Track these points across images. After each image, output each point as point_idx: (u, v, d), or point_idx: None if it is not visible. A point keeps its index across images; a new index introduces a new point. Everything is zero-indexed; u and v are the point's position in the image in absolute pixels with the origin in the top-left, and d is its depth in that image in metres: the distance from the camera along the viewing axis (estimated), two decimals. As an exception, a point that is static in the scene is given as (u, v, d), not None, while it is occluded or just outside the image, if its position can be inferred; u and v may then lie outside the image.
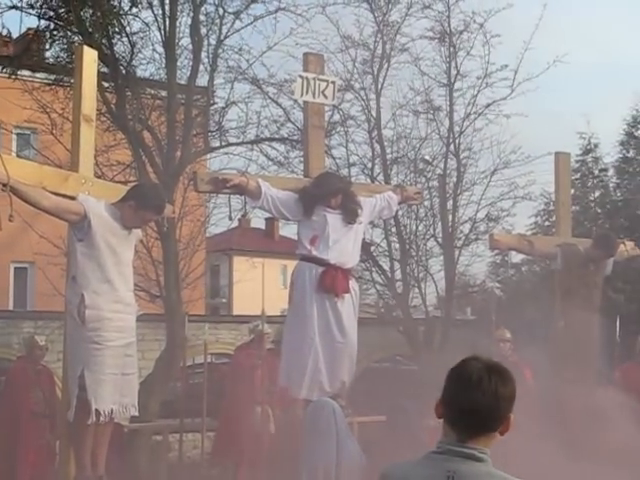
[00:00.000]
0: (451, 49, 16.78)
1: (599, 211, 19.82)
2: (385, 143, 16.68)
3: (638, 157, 20.60)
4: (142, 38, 13.91)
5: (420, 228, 17.32)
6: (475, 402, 2.96)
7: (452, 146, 16.80)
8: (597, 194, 20.29)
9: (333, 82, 8.79)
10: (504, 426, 3.03)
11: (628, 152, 20.80)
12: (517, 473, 3.11)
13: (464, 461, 2.97)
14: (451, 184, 16.96)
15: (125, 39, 13.50)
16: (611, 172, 20.82)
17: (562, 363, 9.57)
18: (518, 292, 18.93)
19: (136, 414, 7.28)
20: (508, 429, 3.04)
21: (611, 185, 20.66)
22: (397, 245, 17.04)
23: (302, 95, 8.55)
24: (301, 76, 8.53)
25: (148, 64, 14.30)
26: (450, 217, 16.73)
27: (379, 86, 16.49)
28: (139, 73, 14.28)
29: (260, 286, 9.85)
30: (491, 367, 3.02)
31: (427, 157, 17.25)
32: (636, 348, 11.41)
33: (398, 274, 17.15)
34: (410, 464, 3.12)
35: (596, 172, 20.50)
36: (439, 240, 17.10)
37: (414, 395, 8.65)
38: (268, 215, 10.11)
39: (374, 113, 16.58)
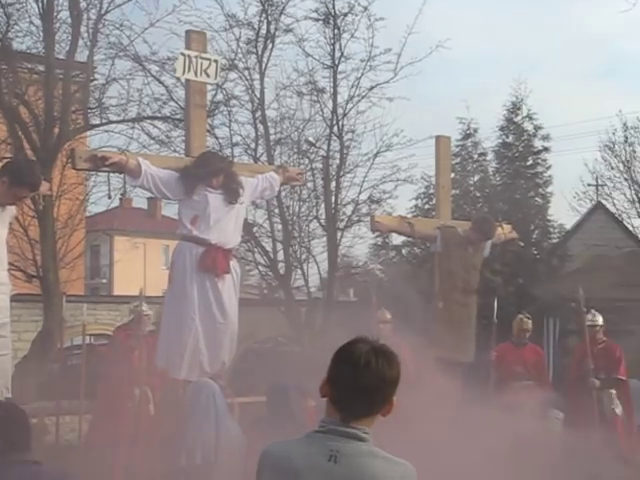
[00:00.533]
0: (335, 31, 16.83)
1: (478, 195, 20.16)
2: (269, 124, 16.65)
3: (517, 143, 21.04)
4: (18, 10, 13.54)
5: (303, 209, 17.37)
6: (361, 383, 2.98)
7: (335, 128, 16.87)
8: (477, 178, 20.64)
9: (216, 61, 8.70)
10: (387, 408, 3.05)
11: (507, 137, 21.21)
12: (397, 453, 3.14)
13: (347, 440, 2.99)
14: (334, 166, 17.03)
15: (0, 10, 13.10)
16: (490, 157, 21.22)
17: (440, 343, 9.70)
18: (399, 274, 19.14)
19: (9, 395, 7.09)
20: (390, 411, 3.06)
21: (490, 169, 21.03)
22: (280, 226, 17.05)
23: (184, 73, 8.44)
24: (183, 54, 8.41)
25: (25, 37, 13.95)
26: (333, 199, 16.80)
27: (263, 66, 16.44)
28: (15, 46, 13.90)
29: (142, 266, 9.71)
30: (378, 349, 3.04)
31: (311, 138, 17.29)
32: (513, 329, 11.65)
33: (280, 255, 17.18)
34: (292, 443, 3.12)
35: (476, 157, 20.85)
36: (322, 222, 17.18)
37: (295, 376, 8.68)
38: (150, 194, 9.98)
39: (258, 93, 16.54)
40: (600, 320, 11.82)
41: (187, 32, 8.86)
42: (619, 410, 11.14)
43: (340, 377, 3.03)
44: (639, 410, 12.06)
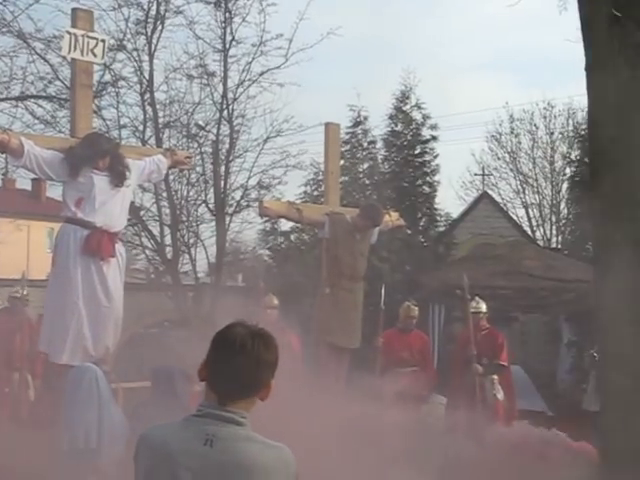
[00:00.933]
0: (226, 14, 16.71)
1: (367, 182, 20.26)
2: (157, 106, 16.47)
3: (405, 131, 21.22)
4: None
5: (191, 193, 17.26)
6: (236, 366, 2.98)
7: (225, 112, 16.79)
8: (366, 165, 20.75)
9: (103, 40, 8.52)
10: (264, 391, 3.04)
11: (396, 126, 21.37)
12: (278, 437, 3.13)
13: (223, 424, 2.98)
14: (224, 150, 16.94)
15: None
16: (380, 145, 21.34)
17: (327, 329, 9.74)
18: (287, 259, 19.16)
19: None
20: (268, 395, 3.05)
21: (379, 157, 21.15)
22: (167, 210, 16.89)
23: (70, 52, 8.25)
24: (69, 32, 8.21)
25: None
26: (222, 183, 16.71)
27: (152, 48, 16.23)
28: None
29: (25, 249, 9.48)
30: (255, 333, 3.04)
31: (200, 122, 17.17)
32: (399, 316, 11.77)
33: (168, 239, 17.02)
34: (169, 426, 3.10)
35: (365, 144, 20.95)
36: (210, 206, 17.08)
37: (181, 361, 8.61)
38: (33, 175, 9.75)
39: (147, 75, 16.32)
40: (484, 307, 12.03)
41: (73, 10, 8.65)
42: (500, 395, 11.36)
43: (216, 360, 3.03)
44: (520, 396, 12.36)
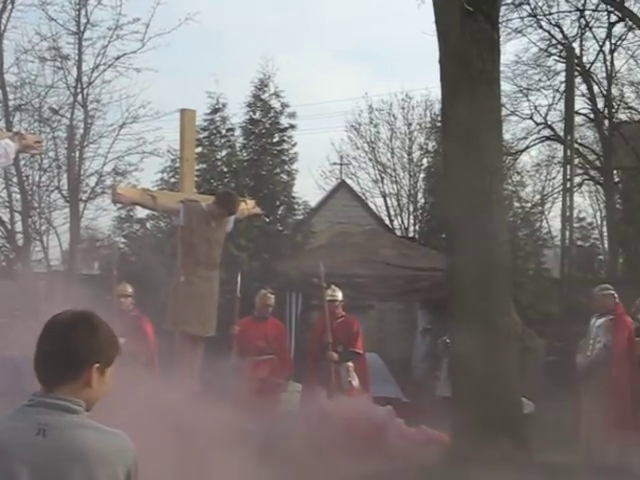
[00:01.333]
0: (81, -4, 16.34)
1: (225, 170, 20.15)
2: (7, 89, 15.97)
3: (264, 119, 21.21)
4: None
5: (44, 179, 16.86)
6: (55, 352, 2.93)
7: (80, 96, 16.43)
8: (224, 153, 20.60)
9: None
10: (87, 376, 2.96)
11: (255, 114, 21.34)
12: (118, 425, 3.07)
13: (56, 413, 2.91)
14: (78, 135, 16.58)
15: None
16: (238, 132, 21.24)
17: (182, 318, 9.63)
18: (143, 247, 18.89)
19: None
20: (92, 378, 2.96)
21: (238, 145, 21.03)
22: (18, 196, 16.44)
23: None
24: None
25: None
26: (76, 169, 16.36)
27: (2, 28, 15.74)
28: None
29: None
30: (79, 317, 3.00)
31: (54, 106, 16.75)
32: (256, 304, 11.75)
33: (19, 226, 16.58)
34: (1, 417, 3.00)
35: (223, 131, 20.80)
36: (64, 192, 16.70)
37: (30, 353, 8.35)
38: None
39: (-4, 56, 15.80)
40: (340, 295, 12.13)
41: None
42: (355, 382, 11.48)
43: (39, 347, 2.97)
44: (376, 382, 12.53)
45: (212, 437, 7.75)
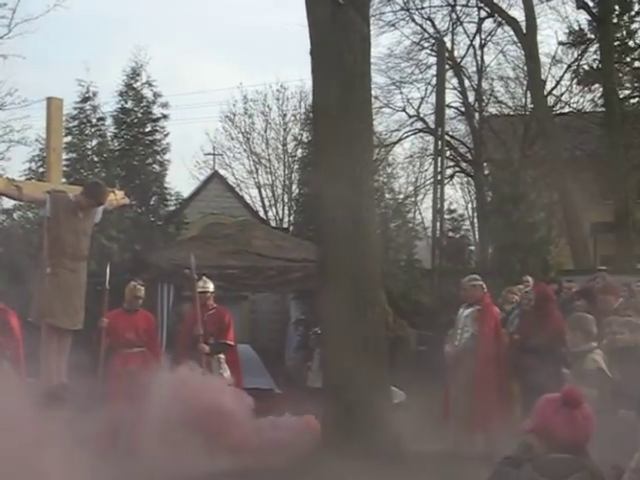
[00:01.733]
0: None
1: (96, 159, 19.80)
2: None
3: (136, 108, 20.92)
4: None
5: None
6: None
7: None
8: (95, 142, 20.22)
9: None
10: None
11: (127, 103, 21.04)
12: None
13: None
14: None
15: None
16: (109, 122, 20.88)
17: (48, 310, 9.43)
18: (9, 238, 18.40)
19: None
20: None
21: (109, 134, 20.69)
22: None
23: None
24: None
25: None
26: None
27: None
28: None
29: None
30: None
31: None
32: (125, 296, 11.58)
33: None
34: None
35: (94, 121, 20.40)
36: None
37: None
38: None
39: None
40: (211, 287, 12.07)
41: None
42: (227, 374, 11.47)
43: None
44: (248, 374, 12.50)
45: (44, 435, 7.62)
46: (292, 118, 30.90)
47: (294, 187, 29.64)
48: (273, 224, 27.47)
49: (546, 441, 3.99)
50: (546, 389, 4.38)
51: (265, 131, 31.89)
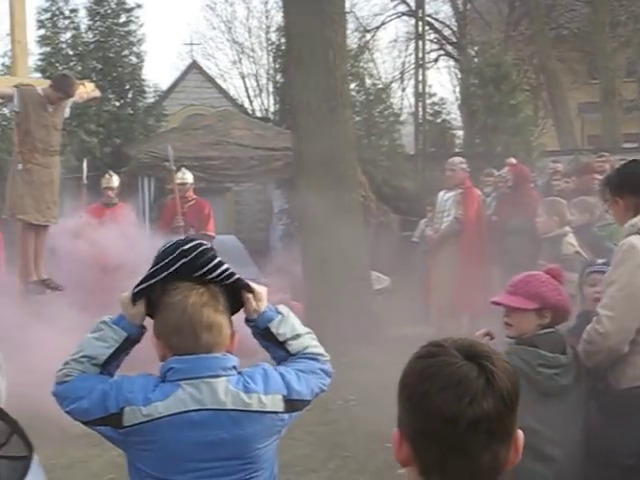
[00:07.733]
0: None
1: (71, 53, 19.36)
2: None
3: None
4: None
5: None
6: None
7: None
8: (69, 35, 19.72)
9: None
10: None
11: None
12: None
13: None
14: None
15: None
16: (82, 13, 20.32)
17: (20, 206, 9.34)
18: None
19: None
20: None
21: (83, 27, 20.15)
22: None
23: None
24: None
25: None
26: None
27: None
28: None
29: None
30: None
31: None
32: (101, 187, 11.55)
33: None
34: None
35: (67, 12, 19.87)
36: None
37: None
38: None
39: None
40: (190, 178, 12.00)
41: None
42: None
43: None
44: (234, 264, 12.38)
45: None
46: (275, 5, 30.29)
47: (278, 76, 29.23)
48: (259, 114, 27.13)
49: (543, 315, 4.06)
50: (526, 268, 4.43)
51: (247, 19, 31.32)
